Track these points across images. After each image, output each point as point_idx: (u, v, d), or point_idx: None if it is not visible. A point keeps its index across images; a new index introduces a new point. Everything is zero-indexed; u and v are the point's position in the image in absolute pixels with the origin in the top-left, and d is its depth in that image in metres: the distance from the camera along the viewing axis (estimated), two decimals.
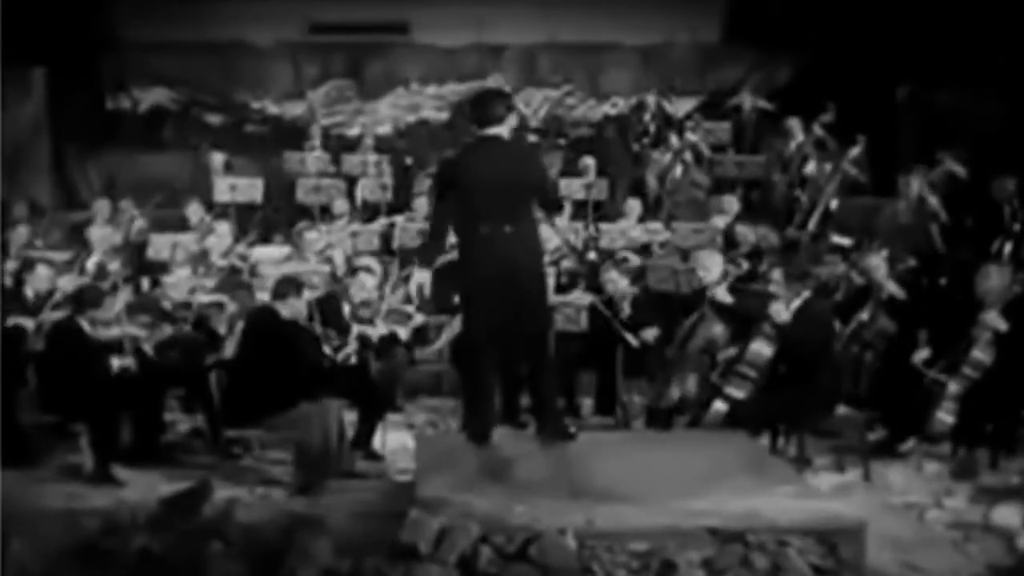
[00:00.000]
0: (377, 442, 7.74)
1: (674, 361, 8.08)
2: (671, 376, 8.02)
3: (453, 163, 6.41)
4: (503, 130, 6.14)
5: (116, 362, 7.48)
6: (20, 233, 10.46)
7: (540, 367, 6.32)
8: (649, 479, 5.66)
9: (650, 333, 8.50)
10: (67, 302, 7.97)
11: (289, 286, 7.48)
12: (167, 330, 8.08)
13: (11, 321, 8.07)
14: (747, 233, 10.54)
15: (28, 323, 8.13)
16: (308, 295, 7.85)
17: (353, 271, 9.35)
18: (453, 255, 9.92)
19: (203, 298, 8.72)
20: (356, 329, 8.14)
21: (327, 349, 7.76)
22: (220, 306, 8.56)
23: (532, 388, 6.51)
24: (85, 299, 7.63)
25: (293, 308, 7.40)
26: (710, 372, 7.75)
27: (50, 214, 12.20)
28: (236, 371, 7.58)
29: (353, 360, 7.90)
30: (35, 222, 11.23)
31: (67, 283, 8.87)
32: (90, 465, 7.17)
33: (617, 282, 8.90)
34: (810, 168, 11.85)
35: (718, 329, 7.98)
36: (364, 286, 8.71)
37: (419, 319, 9.06)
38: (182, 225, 11.05)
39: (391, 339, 8.53)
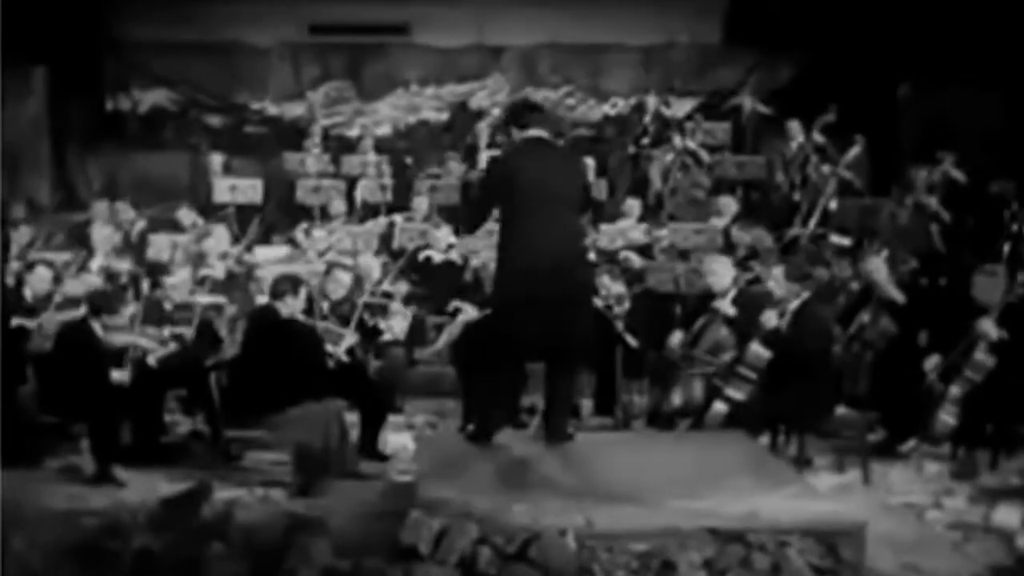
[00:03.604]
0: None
1: (679, 365, 8.04)
2: (675, 380, 7.97)
3: (503, 162, 6.47)
4: (544, 133, 6.23)
5: (115, 375, 7.46)
6: (22, 233, 10.44)
7: (565, 368, 6.27)
8: (649, 479, 5.66)
9: (675, 339, 8.18)
10: (75, 304, 7.88)
11: (287, 285, 7.46)
12: (168, 332, 8.01)
13: (14, 323, 8.04)
14: (742, 236, 10.53)
15: (30, 323, 8.12)
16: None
17: (328, 269, 9.24)
18: (447, 255, 10.07)
19: (203, 299, 8.67)
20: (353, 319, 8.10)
21: (329, 346, 7.74)
22: (219, 308, 8.53)
23: (550, 386, 6.36)
24: (102, 305, 7.54)
25: (291, 307, 7.39)
26: (715, 376, 7.71)
27: (50, 214, 12.20)
28: (237, 371, 7.57)
29: (355, 350, 7.86)
30: (36, 223, 11.21)
31: (74, 285, 8.80)
32: (91, 466, 7.16)
33: (610, 288, 8.90)
34: (810, 169, 11.85)
35: (724, 332, 7.93)
36: (340, 283, 8.61)
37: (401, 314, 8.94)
38: (176, 228, 11.03)
39: (374, 331, 8.46)
